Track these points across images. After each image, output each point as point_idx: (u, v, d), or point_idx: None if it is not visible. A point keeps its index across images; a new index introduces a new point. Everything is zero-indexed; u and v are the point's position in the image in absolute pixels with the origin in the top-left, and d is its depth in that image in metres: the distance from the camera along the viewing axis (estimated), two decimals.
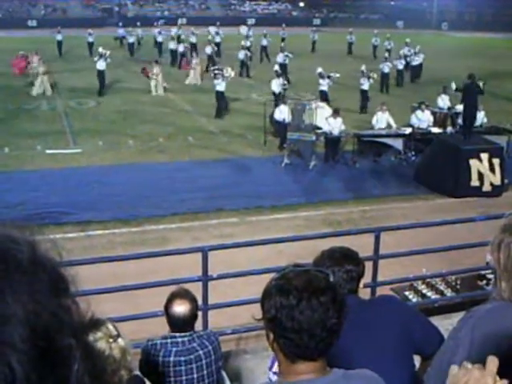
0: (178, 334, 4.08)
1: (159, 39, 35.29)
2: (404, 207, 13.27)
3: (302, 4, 64.18)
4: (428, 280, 8.27)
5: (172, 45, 32.33)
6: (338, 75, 22.05)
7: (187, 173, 15.00)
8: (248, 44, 32.52)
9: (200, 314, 4.87)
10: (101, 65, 24.08)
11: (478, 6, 58.55)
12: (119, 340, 3.04)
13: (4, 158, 15.91)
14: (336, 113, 16.57)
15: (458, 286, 8.20)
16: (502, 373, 1.53)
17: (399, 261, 8.32)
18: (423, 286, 8.27)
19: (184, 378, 4.05)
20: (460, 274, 8.32)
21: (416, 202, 13.73)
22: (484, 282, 8.28)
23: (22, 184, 13.84)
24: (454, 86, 15.92)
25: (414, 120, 17.28)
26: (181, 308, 4.01)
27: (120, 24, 41.09)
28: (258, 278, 5.51)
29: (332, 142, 16.23)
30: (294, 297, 1.87)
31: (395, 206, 13.34)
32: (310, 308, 1.85)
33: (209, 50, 30.53)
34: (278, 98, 19.70)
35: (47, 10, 55.14)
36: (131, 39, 34.94)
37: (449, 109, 18.84)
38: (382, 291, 6.77)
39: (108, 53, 24.64)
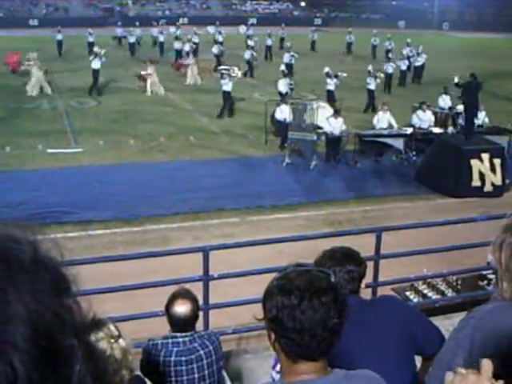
0: (179, 334, 4.08)
1: (161, 39, 35.24)
2: (405, 207, 13.27)
3: (303, 4, 64.17)
4: (429, 280, 8.26)
5: (177, 44, 32.26)
6: (345, 75, 22.07)
7: (188, 172, 15.00)
8: (252, 44, 32.59)
9: (201, 313, 4.87)
10: (96, 64, 24.10)
11: (479, 6, 58.52)
12: (120, 340, 3.05)
13: (5, 158, 15.92)
14: (337, 113, 16.57)
15: (459, 287, 8.20)
16: (502, 373, 1.52)
17: (400, 261, 8.32)
18: (424, 286, 8.27)
19: (185, 377, 4.05)
20: (461, 274, 8.31)
21: (417, 201, 13.73)
22: (485, 282, 8.28)
23: (23, 183, 13.85)
24: (456, 79, 15.83)
25: (415, 120, 17.27)
26: (182, 308, 4.01)
27: (119, 23, 41.07)
28: (259, 278, 5.51)
29: (333, 141, 16.23)
30: (296, 297, 1.87)
31: (396, 206, 13.34)
32: (312, 308, 1.85)
33: (215, 49, 30.51)
34: (285, 98, 19.75)
35: (48, 9, 55.20)
36: (132, 39, 34.88)
37: (450, 109, 18.83)
38: (382, 291, 6.77)
39: (103, 52, 24.68)
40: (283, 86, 21.15)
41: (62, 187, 13.73)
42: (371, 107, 21.49)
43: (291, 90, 21.41)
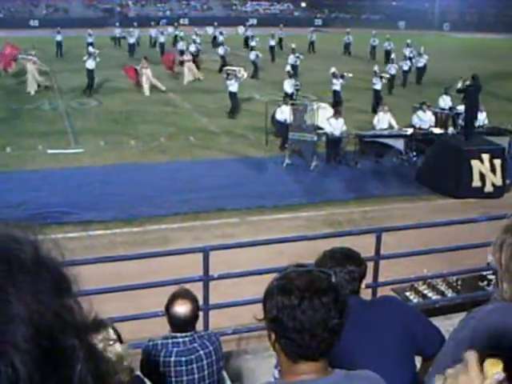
0: (179, 334, 4.08)
1: (161, 39, 35.23)
2: (405, 208, 13.27)
3: (303, 4, 64.19)
4: (429, 280, 8.27)
5: (181, 45, 32.26)
6: (350, 75, 22.06)
7: (189, 173, 15.00)
8: (254, 44, 32.62)
9: (201, 314, 4.87)
10: (90, 64, 24.17)
11: (480, 6, 58.52)
12: (116, 345, 3.03)
13: (5, 158, 15.92)
14: (337, 113, 16.57)
15: (459, 287, 8.20)
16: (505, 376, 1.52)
17: (400, 261, 8.32)
18: (424, 287, 8.27)
19: (185, 378, 4.05)
20: (461, 275, 8.32)
21: (417, 202, 13.73)
22: (485, 282, 8.28)
23: (23, 184, 13.85)
24: (459, 84, 15.84)
25: (415, 120, 17.28)
26: (182, 308, 4.01)
27: (117, 24, 41.05)
28: (259, 278, 5.51)
29: (333, 142, 16.22)
30: (296, 297, 1.87)
31: (396, 207, 13.34)
32: (312, 308, 1.85)
33: (221, 50, 30.52)
34: (291, 99, 19.79)
35: (49, 9, 55.25)
36: (131, 40, 34.84)
37: (450, 109, 18.83)
38: (382, 292, 6.77)
39: (97, 52, 24.75)
40: (289, 86, 21.18)
41: (62, 188, 13.74)
42: (378, 107, 21.50)
43: (297, 90, 21.43)
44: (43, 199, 12.91)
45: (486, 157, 13.90)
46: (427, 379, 2.27)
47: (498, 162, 13.96)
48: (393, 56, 27.66)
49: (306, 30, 41.31)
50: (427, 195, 14.11)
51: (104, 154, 16.61)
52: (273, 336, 1.94)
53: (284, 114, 17.04)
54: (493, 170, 13.91)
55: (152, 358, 4.04)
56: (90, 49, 25.04)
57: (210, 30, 37.77)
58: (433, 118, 17.55)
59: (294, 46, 29.08)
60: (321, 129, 16.41)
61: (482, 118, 16.91)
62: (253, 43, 32.70)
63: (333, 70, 22.00)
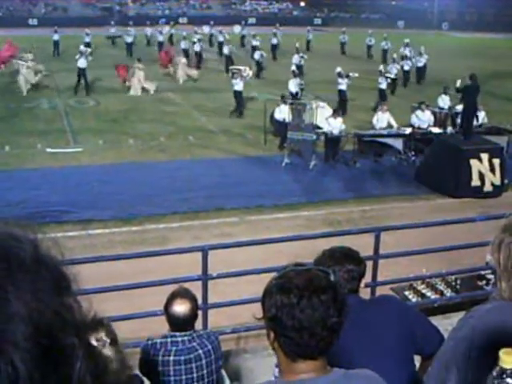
0: (177, 334, 4.08)
1: (160, 39, 35.20)
2: (404, 207, 13.28)
3: (302, 3, 64.15)
4: (428, 280, 8.27)
5: (183, 44, 32.21)
6: (356, 75, 22.05)
7: (188, 172, 15.00)
8: (256, 43, 32.65)
9: (200, 313, 4.88)
10: (82, 62, 24.18)
11: (479, 6, 58.51)
12: (106, 349, 3.00)
13: (5, 157, 15.92)
14: (336, 113, 16.57)
15: (458, 286, 8.20)
16: None
17: (399, 261, 8.33)
18: (423, 286, 8.27)
19: (184, 377, 4.05)
20: (460, 274, 8.32)
21: (416, 201, 13.74)
22: (484, 282, 8.29)
23: (22, 183, 13.84)
24: (458, 83, 15.85)
25: (414, 120, 17.29)
26: (181, 307, 4.01)
27: (112, 23, 40.98)
28: (258, 278, 5.51)
29: (332, 141, 16.22)
30: (295, 295, 1.87)
31: (395, 206, 13.34)
32: (311, 307, 1.86)
33: (227, 49, 30.49)
34: (296, 98, 19.81)
35: (48, 8, 55.17)
36: (129, 39, 34.76)
37: (449, 109, 18.83)
38: (381, 291, 6.77)
39: (89, 50, 24.89)
40: (294, 85, 21.20)
41: (61, 186, 13.73)
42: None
43: (301, 90, 21.44)
44: (42, 198, 12.90)
45: (484, 156, 13.91)
46: (426, 378, 2.27)
47: (496, 162, 13.97)
48: (394, 56, 27.64)
49: (303, 30, 41.27)
50: (426, 195, 14.12)
51: (103, 153, 16.61)
52: (272, 335, 1.94)
53: (283, 113, 17.05)
54: (492, 169, 13.92)
55: (151, 357, 4.04)
56: (82, 47, 25.04)
57: (206, 28, 37.72)
58: (432, 118, 17.55)
59: (297, 45, 28.99)
60: (320, 128, 16.41)
61: (480, 117, 16.92)
62: (254, 42, 32.75)
63: (338, 69, 21.99)
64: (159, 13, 56.33)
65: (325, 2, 62.78)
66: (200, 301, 5.51)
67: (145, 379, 4.05)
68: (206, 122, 20.44)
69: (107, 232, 11.66)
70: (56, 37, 33.61)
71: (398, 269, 8.46)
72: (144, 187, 13.77)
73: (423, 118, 17.17)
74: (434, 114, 17.95)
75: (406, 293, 8.20)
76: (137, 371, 4.07)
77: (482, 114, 17.06)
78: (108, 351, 2.97)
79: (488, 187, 13.91)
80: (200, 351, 4.08)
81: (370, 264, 6.64)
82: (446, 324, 5.06)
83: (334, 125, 16.11)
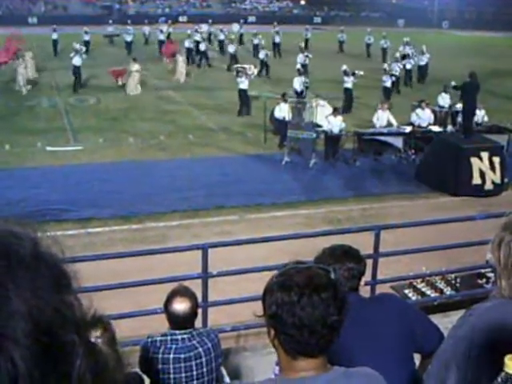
0: (177, 332, 4.08)
1: (160, 37, 35.19)
2: (404, 205, 13.27)
3: (302, 2, 64.12)
4: (428, 278, 8.27)
5: (187, 43, 32.21)
6: (362, 73, 22.04)
7: (188, 170, 15.01)
8: (257, 42, 32.65)
9: (200, 311, 4.88)
10: (77, 61, 24.30)
11: (479, 4, 58.48)
12: (105, 346, 3.00)
13: (5, 155, 15.92)
14: (336, 111, 16.57)
15: (458, 285, 8.21)
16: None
17: (399, 259, 8.33)
18: (423, 284, 8.28)
19: (183, 375, 4.06)
20: (460, 273, 8.32)
21: (416, 200, 13.74)
22: (484, 280, 8.29)
23: (22, 181, 13.84)
24: (453, 83, 15.93)
25: (414, 118, 17.29)
26: (181, 305, 4.01)
27: (110, 21, 40.94)
28: (258, 276, 5.52)
29: (332, 140, 16.22)
30: (295, 293, 1.87)
31: (395, 205, 13.34)
32: (311, 304, 1.86)
33: (232, 48, 30.47)
34: (301, 96, 19.82)
35: (47, 7, 55.15)
36: (129, 38, 34.73)
37: (449, 107, 18.83)
38: (381, 289, 6.78)
39: (84, 49, 24.97)
40: (298, 84, 21.22)
41: (61, 185, 13.73)
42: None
43: (306, 88, 21.46)
44: (42, 196, 12.90)
45: (485, 155, 13.91)
46: (426, 376, 2.28)
47: (497, 160, 13.97)
48: (397, 55, 27.60)
49: (301, 28, 41.21)
50: (426, 193, 14.12)
51: (103, 151, 16.61)
52: (272, 332, 1.94)
53: (283, 111, 17.04)
54: (492, 167, 13.92)
55: (151, 354, 4.04)
56: (77, 46, 25.08)
57: (205, 27, 37.69)
58: (432, 116, 17.56)
59: (302, 44, 28.90)
60: (320, 126, 16.40)
61: (480, 115, 16.91)
62: (256, 41, 32.74)
63: (344, 67, 21.99)
64: (159, 11, 56.31)
65: (325, 1, 62.72)
66: (200, 299, 5.51)
67: (145, 377, 4.06)
68: (206, 120, 20.44)
69: (107, 230, 11.66)
70: (55, 36, 33.57)
71: (397, 267, 8.47)
72: (144, 185, 13.77)
73: (423, 117, 17.17)
74: (434, 112, 17.96)
75: (406, 291, 8.20)
76: (137, 369, 4.07)
77: (481, 113, 17.05)
78: (107, 349, 2.97)
79: (489, 185, 13.91)
80: (200, 349, 4.08)
81: (369, 262, 6.64)
82: (445, 322, 5.07)
83: (333, 123, 16.11)
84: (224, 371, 4.83)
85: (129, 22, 38.81)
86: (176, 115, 20.94)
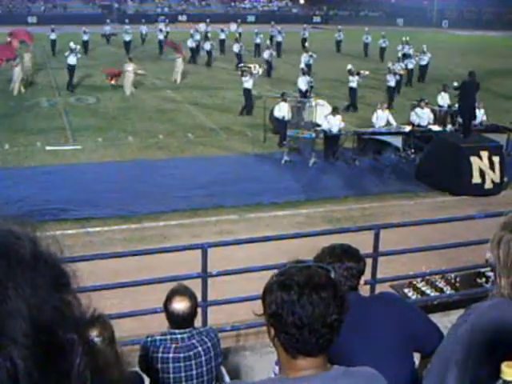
0: (177, 331, 4.08)
1: (160, 37, 35.21)
2: (403, 205, 13.28)
3: (302, 1, 64.14)
4: (427, 277, 8.27)
5: (189, 42, 32.18)
6: (367, 73, 22.03)
7: (187, 170, 15.00)
8: (258, 41, 32.63)
9: (199, 310, 4.88)
10: (71, 59, 24.32)
11: (479, 4, 58.58)
12: (104, 345, 3.00)
13: (4, 154, 15.91)
14: (335, 110, 16.57)
15: (457, 284, 8.21)
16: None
17: (398, 258, 8.33)
18: (422, 284, 8.28)
19: (183, 374, 4.06)
20: (459, 272, 8.32)
21: (416, 199, 13.74)
22: (483, 279, 8.29)
23: (21, 180, 13.84)
24: (455, 84, 15.94)
25: (413, 117, 17.29)
26: (180, 305, 4.01)
27: (107, 21, 40.95)
28: (258, 275, 5.52)
29: (331, 139, 16.21)
30: (295, 292, 1.87)
31: (395, 204, 13.34)
32: (311, 303, 1.86)
33: (236, 48, 30.48)
34: (305, 96, 19.82)
35: (47, 6, 55.16)
36: (127, 37, 34.70)
37: (449, 107, 18.83)
38: (381, 288, 6.77)
39: (78, 47, 25.05)
40: (303, 83, 21.25)
41: (60, 184, 13.71)
42: (392, 104, 21.64)
43: (311, 87, 21.47)
44: (41, 196, 12.89)
45: (484, 154, 13.91)
46: (426, 375, 2.28)
47: (496, 159, 13.98)
48: (399, 55, 27.58)
49: (299, 27, 41.18)
50: (425, 192, 14.12)
51: (102, 150, 16.61)
52: (272, 331, 1.94)
53: (282, 111, 17.04)
54: (492, 167, 13.92)
55: (150, 354, 4.04)
56: (72, 45, 25.12)
57: (202, 26, 37.69)
58: (431, 116, 17.55)
59: (307, 44, 28.84)
60: (319, 126, 16.41)
61: (480, 114, 16.91)
62: (258, 40, 32.74)
63: (349, 66, 21.99)
64: (158, 10, 56.32)
65: (324, 0, 62.78)
66: (199, 298, 5.51)
67: (145, 376, 4.06)
68: (206, 119, 20.44)
69: (106, 230, 11.65)
70: (53, 36, 33.54)
71: (397, 266, 8.47)
72: (143, 185, 13.76)
73: (423, 116, 17.16)
74: (433, 111, 17.95)
75: (406, 290, 8.20)
76: (137, 368, 4.07)
77: (481, 112, 17.05)
78: (107, 348, 2.97)
79: (488, 185, 13.91)
80: (199, 348, 4.08)
81: (369, 261, 6.63)
82: (445, 321, 5.08)
83: (333, 122, 16.10)
84: (224, 370, 4.83)
85: (126, 21, 38.84)
86: (175, 114, 20.94)
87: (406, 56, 28.39)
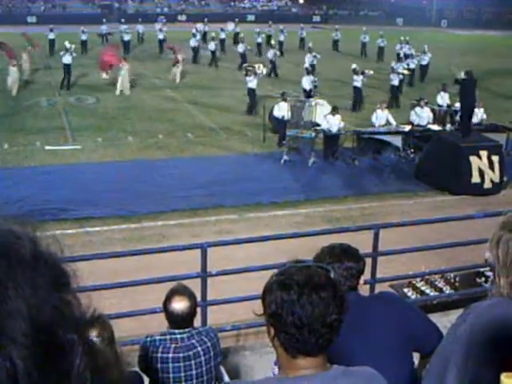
0: (176, 331, 4.08)
1: (160, 36, 35.22)
2: (403, 204, 13.28)
3: (301, 1, 64.14)
4: (427, 277, 8.27)
5: (192, 42, 32.20)
6: (371, 72, 22.03)
7: (186, 169, 15.00)
8: (260, 40, 32.58)
9: (199, 310, 4.88)
10: (67, 59, 24.41)
11: (478, 3, 58.57)
12: (104, 345, 3.01)
13: (3, 154, 15.91)
14: (335, 110, 16.56)
15: (457, 284, 8.21)
16: (502, 371, 1.53)
17: (398, 258, 8.33)
18: (422, 283, 8.28)
19: (182, 374, 4.06)
20: (458, 272, 8.33)
21: (415, 199, 13.74)
22: (482, 279, 8.29)
23: (21, 180, 13.83)
24: (462, 74, 15.79)
25: (413, 117, 17.29)
26: (180, 305, 4.01)
27: (104, 20, 40.96)
28: (257, 275, 5.52)
29: (330, 139, 16.21)
30: (295, 292, 1.87)
31: (394, 203, 13.34)
32: (311, 303, 1.86)
33: (241, 48, 30.50)
34: (309, 95, 19.83)
35: (47, 6, 55.16)
36: (127, 37, 34.70)
37: (448, 106, 18.84)
38: (380, 288, 6.77)
39: (73, 47, 25.16)
40: (307, 83, 21.27)
41: (59, 184, 13.71)
42: (395, 104, 21.65)
43: (315, 87, 21.48)
44: (41, 196, 12.88)
45: (484, 153, 13.91)
46: (425, 375, 2.28)
47: (496, 159, 13.97)
48: (401, 55, 27.58)
49: (296, 27, 41.16)
50: (425, 192, 14.12)
51: (102, 150, 16.60)
52: (272, 331, 1.95)
53: (282, 110, 17.03)
54: (491, 166, 13.92)
55: (150, 354, 4.05)
56: (67, 44, 25.17)
57: (200, 26, 37.72)
58: (431, 115, 17.56)
59: (310, 44, 28.84)
60: (319, 125, 16.40)
61: (479, 114, 16.91)
62: (259, 39, 32.70)
63: (354, 66, 22.00)
64: (158, 10, 56.31)
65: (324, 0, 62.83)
66: (199, 298, 5.51)
67: (144, 376, 4.06)
68: (205, 119, 20.43)
69: (105, 230, 11.65)
70: (52, 35, 33.52)
71: (396, 266, 8.47)
72: (143, 185, 13.75)
73: (422, 115, 17.17)
74: (433, 111, 17.96)
75: (405, 290, 8.21)
76: (136, 368, 4.08)
77: (480, 111, 17.05)
78: (106, 348, 2.97)
79: (488, 184, 13.91)
80: (199, 348, 4.08)
81: (369, 261, 6.63)
82: (444, 321, 5.09)
83: (332, 122, 16.09)
84: (223, 370, 4.83)
85: (122, 20, 38.87)
86: (175, 114, 20.94)
87: (406, 56, 28.40)
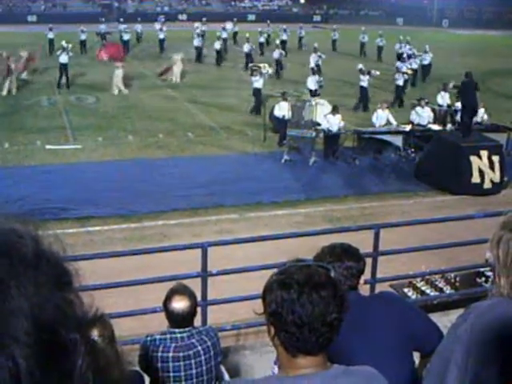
0: (177, 330, 4.08)
1: (161, 36, 35.21)
2: (403, 204, 13.28)
3: (302, 0, 64.13)
4: (427, 277, 8.27)
5: (196, 42, 32.19)
6: (378, 72, 22.04)
7: (187, 169, 14.99)
8: (263, 40, 32.54)
9: (199, 309, 4.88)
10: (63, 58, 24.47)
11: (479, 3, 58.53)
12: (105, 345, 3.01)
13: (4, 154, 15.90)
14: (335, 110, 16.56)
15: (457, 284, 8.21)
16: (502, 370, 1.53)
17: (398, 258, 8.33)
18: (422, 283, 8.28)
19: (183, 373, 4.06)
20: (459, 271, 8.33)
21: (415, 198, 13.74)
22: (483, 279, 8.29)
23: (21, 179, 13.82)
24: (451, 85, 15.97)
25: (413, 116, 17.29)
26: (180, 304, 4.01)
27: (103, 19, 40.93)
28: (258, 274, 5.51)
29: (331, 138, 16.20)
30: (295, 291, 1.88)
31: (395, 203, 13.34)
32: (311, 302, 1.86)
33: (247, 48, 30.52)
34: (314, 95, 19.85)
35: (47, 5, 55.17)
36: (126, 36, 34.70)
37: (448, 106, 18.84)
38: (381, 288, 6.77)
39: (70, 46, 25.19)
40: (312, 83, 21.29)
41: (60, 183, 13.71)
42: (398, 103, 21.66)
43: (320, 87, 21.50)
44: (41, 195, 12.88)
45: (484, 153, 13.90)
46: (426, 374, 2.28)
47: (496, 159, 13.97)
48: (404, 55, 27.57)
49: (304, 26, 41.19)
50: (425, 192, 14.12)
51: (102, 149, 16.60)
52: (272, 330, 1.95)
53: (282, 110, 17.03)
54: (491, 166, 13.92)
55: (150, 353, 4.05)
56: (63, 43, 25.22)
57: (198, 25, 37.72)
58: (431, 115, 17.56)
59: (316, 44, 28.85)
60: (319, 125, 16.39)
61: (480, 113, 16.90)
62: (262, 39, 32.66)
63: (360, 66, 22.02)
64: (158, 9, 56.30)
65: None
66: (199, 297, 5.51)
67: (145, 375, 4.07)
68: (205, 118, 20.43)
69: (106, 229, 11.65)
70: (51, 35, 33.50)
71: (397, 266, 8.47)
72: (143, 184, 13.75)
73: (423, 115, 17.17)
74: (433, 111, 17.96)
75: (406, 290, 8.21)
76: (137, 367, 4.08)
77: (481, 111, 17.04)
78: (108, 347, 2.97)
79: (488, 184, 13.90)
80: (199, 348, 4.08)
81: (369, 261, 6.63)
82: (445, 321, 5.09)
83: (332, 122, 16.09)
84: (223, 369, 4.83)
85: (121, 20, 38.82)
86: (175, 113, 20.92)
87: (408, 56, 28.36)
